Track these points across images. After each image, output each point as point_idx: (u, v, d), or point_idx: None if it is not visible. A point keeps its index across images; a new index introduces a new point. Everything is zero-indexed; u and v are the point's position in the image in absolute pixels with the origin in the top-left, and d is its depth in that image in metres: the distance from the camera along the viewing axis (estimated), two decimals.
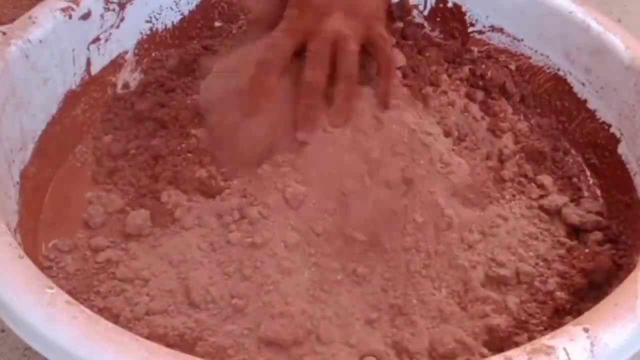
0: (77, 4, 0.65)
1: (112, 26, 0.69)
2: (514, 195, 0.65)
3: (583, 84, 0.73)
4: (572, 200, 0.66)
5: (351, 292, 0.56)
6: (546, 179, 0.67)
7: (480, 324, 0.55)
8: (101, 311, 0.53)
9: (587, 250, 0.61)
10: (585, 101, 0.72)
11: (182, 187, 0.62)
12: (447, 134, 0.65)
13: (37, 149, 0.62)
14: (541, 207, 0.65)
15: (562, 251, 0.61)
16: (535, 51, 0.77)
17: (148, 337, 0.48)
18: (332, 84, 0.60)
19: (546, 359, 0.42)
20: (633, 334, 0.44)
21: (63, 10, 0.64)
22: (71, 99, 0.66)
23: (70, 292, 0.53)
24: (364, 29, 0.62)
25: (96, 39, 0.68)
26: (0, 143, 0.56)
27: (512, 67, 0.77)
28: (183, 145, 0.65)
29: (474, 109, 0.70)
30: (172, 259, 0.57)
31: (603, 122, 0.70)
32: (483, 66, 0.76)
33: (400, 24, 0.77)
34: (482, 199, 0.63)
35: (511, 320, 0.55)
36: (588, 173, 0.71)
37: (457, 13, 0.80)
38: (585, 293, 0.58)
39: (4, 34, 0.60)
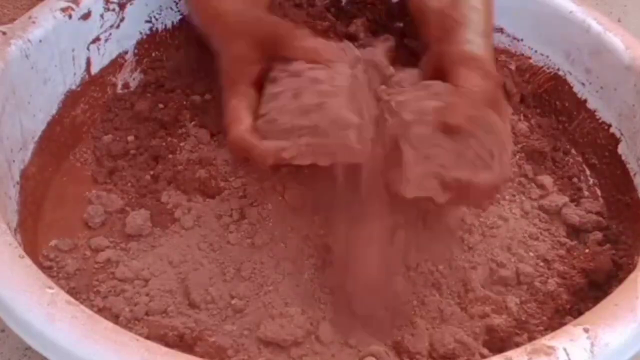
0: (77, 4, 0.65)
1: (112, 26, 0.69)
2: (514, 196, 0.65)
3: (583, 84, 0.73)
4: (572, 200, 0.66)
5: None
6: (546, 179, 0.67)
7: (481, 324, 0.55)
8: (101, 311, 0.53)
9: (587, 250, 0.61)
10: (585, 101, 0.72)
11: (182, 187, 0.62)
12: None
13: (37, 149, 0.62)
14: (541, 207, 0.65)
15: (562, 251, 0.61)
16: (535, 51, 0.77)
17: (148, 337, 0.48)
18: None
19: (546, 359, 0.42)
20: (633, 334, 0.44)
21: (63, 10, 0.64)
22: (71, 99, 0.66)
23: (70, 292, 0.53)
24: None
25: (96, 39, 0.68)
26: (1, 143, 0.56)
27: (512, 67, 0.77)
28: (183, 145, 0.66)
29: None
30: (172, 259, 0.57)
31: (603, 122, 0.70)
32: None
33: (400, 24, 0.77)
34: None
35: (511, 320, 0.55)
36: (588, 173, 0.71)
37: None
38: (585, 293, 0.58)
39: (4, 34, 0.60)
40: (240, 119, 0.53)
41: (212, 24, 0.59)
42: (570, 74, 0.74)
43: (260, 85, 0.55)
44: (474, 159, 0.50)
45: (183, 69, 0.73)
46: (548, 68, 0.76)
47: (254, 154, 0.51)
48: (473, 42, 0.58)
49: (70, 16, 0.65)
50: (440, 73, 0.56)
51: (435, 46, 0.59)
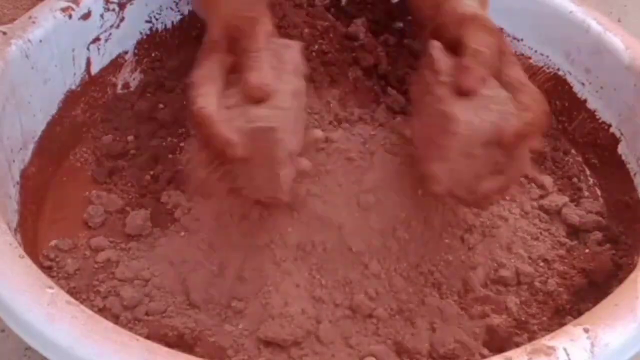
0: (77, 4, 0.65)
1: (112, 26, 0.69)
2: (514, 196, 0.65)
3: (583, 84, 0.73)
4: (572, 200, 0.66)
5: None
6: (546, 179, 0.67)
7: (481, 324, 0.55)
8: (101, 311, 0.53)
9: (587, 250, 0.61)
10: (585, 101, 0.72)
11: (182, 187, 0.62)
12: None
13: (37, 149, 0.62)
14: (541, 207, 0.65)
15: (562, 251, 0.61)
16: (535, 51, 0.77)
17: (148, 337, 0.48)
18: None
19: (546, 359, 0.42)
20: (633, 334, 0.45)
21: (63, 10, 0.64)
22: (71, 99, 0.66)
23: (70, 292, 0.53)
24: None
25: (96, 39, 0.68)
26: (1, 143, 0.56)
27: None
28: (183, 145, 0.66)
29: None
30: (172, 259, 0.57)
31: (603, 122, 0.70)
32: None
33: (400, 24, 0.77)
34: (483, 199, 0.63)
35: (511, 320, 0.55)
36: (588, 173, 0.71)
37: None
38: (585, 293, 0.58)
39: (4, 34, 0.60)
40: (205, 95, 0.51)
41: (206, 6, 0.59)
42: (570, 74, 0.74)
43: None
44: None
45: (183, 69, 0.73)
46: (548, 68, 0.76)
47: (208, 131, 0.49)
48: (467, 3, 0.57)
49: (70, 16, 0.65)
50: (445, 47, 0.55)
51: (430, 24, 0.59)
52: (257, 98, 0.50)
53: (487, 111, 0.51)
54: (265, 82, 0.51)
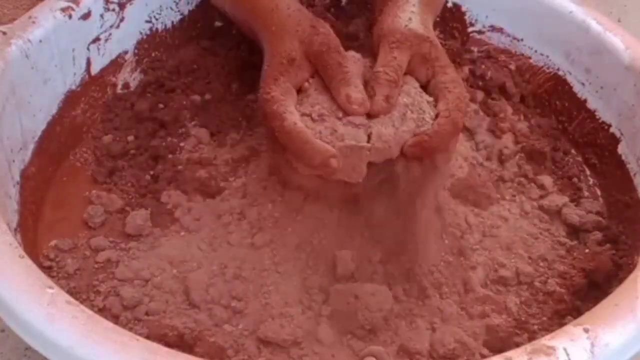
0: (77, 4, 0.65)
1: (112, 26, 0.69)
2: (514, 196, 0.65)
3: (583, 84, 0.73)
4: (572, 200, 0.66)
5: None
6: (546, 179, 0.67)
7: (481, 324, 0.55)
8: (101, 311, 0.53)
9: (587, 250, 0.61)
10: (585, 101, 0.72)
11: (182, 187, 0.62)
12: None
13: (37, 149, 0.62)
14: (541, 207, 0.65)
15: (562, 251, 0.61)
16: (535, 51, 0.77)
17: (148, 337, 0.48)
18: None
19: (546, 359, 0.42)
20: (633, 334, 0.45)
21: (63, 10, 0.64)
22: (71, 99, 0.66)
23: (70, 292, 0.53)
24: None
25: (96, 39, 0.68)
26: (1, 143, 0.56)
27: (512, 67, 0.77)
28: (183, 145, 0.66)
29: (474, 109, 0.70)
30: (172, 259, 0.57)
31: (603, 122, 0.70)
32: (483, 67, 0.76)
33: None
34: (482, 199, 0.63)
35: (511, 320, 0.55)
36: (588, 173, 0.71)
37: (457, 13, 0.80)
38: (585, 293, 0.58)
39: (4, 34, 0.60)
40: (291, 111, 0.53)
41: (264, 16, 0.59)
42: (570, 74, 0.74)
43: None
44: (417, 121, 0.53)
45: (183, 69, 0.73)
46: (548, 68, 0.76)
47: (305, 149, 0.51)
48: (398, 15, 0.58)
49: (70, 16, 0.65)
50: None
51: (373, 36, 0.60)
52: (359, 113, 0.53)
53: (404, 120, 0.53)
54: (365, 98, 0.53)
